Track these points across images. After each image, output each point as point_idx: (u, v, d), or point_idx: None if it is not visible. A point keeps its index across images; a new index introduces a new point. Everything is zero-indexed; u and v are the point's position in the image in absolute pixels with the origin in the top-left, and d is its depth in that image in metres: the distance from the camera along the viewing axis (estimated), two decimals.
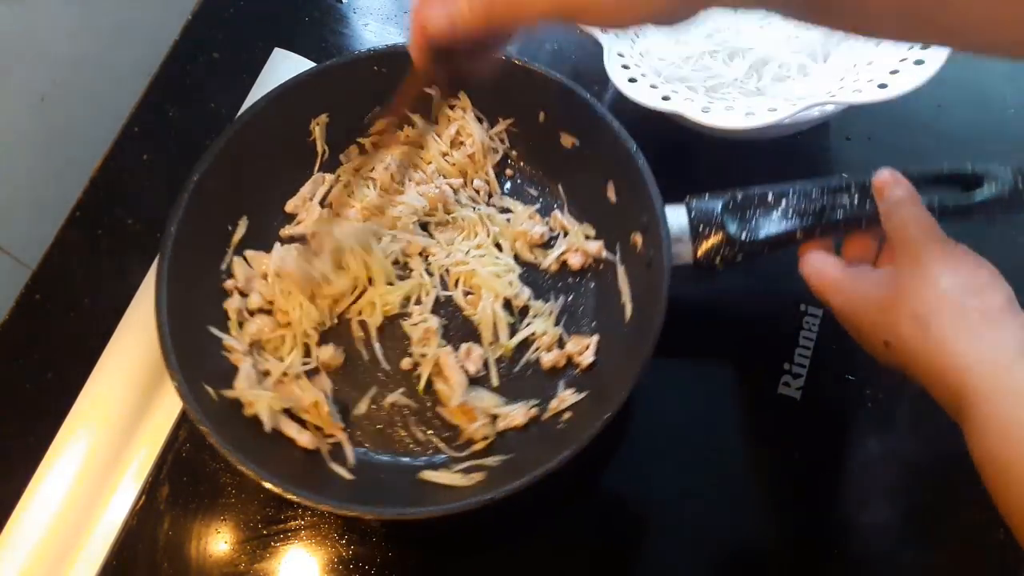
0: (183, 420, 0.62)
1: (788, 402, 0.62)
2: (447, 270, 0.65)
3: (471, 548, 0.60)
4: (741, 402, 0.63)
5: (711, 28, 0.71)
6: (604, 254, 0.64)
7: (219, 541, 0.60)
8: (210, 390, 0.57)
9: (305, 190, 0.68)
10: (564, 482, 0.51)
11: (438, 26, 0.40)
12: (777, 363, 0.63)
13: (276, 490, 0.51)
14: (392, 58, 0.65)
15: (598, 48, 0.64)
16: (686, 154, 0.68)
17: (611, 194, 0.63)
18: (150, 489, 0.61)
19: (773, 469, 0.61)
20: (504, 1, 0.39)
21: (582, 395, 0.59)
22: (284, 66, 0.75)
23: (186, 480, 0.62)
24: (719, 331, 0.65)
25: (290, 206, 0.68)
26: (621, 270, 0.62)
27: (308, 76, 0.66)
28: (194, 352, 0.58)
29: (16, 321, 0.68)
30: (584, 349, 0.61)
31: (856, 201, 0.56)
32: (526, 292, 0.64)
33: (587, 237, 0.65)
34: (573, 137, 0.65)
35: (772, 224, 0.58)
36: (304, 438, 0.58)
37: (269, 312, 0.64)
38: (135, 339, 0.64)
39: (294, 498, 0.52)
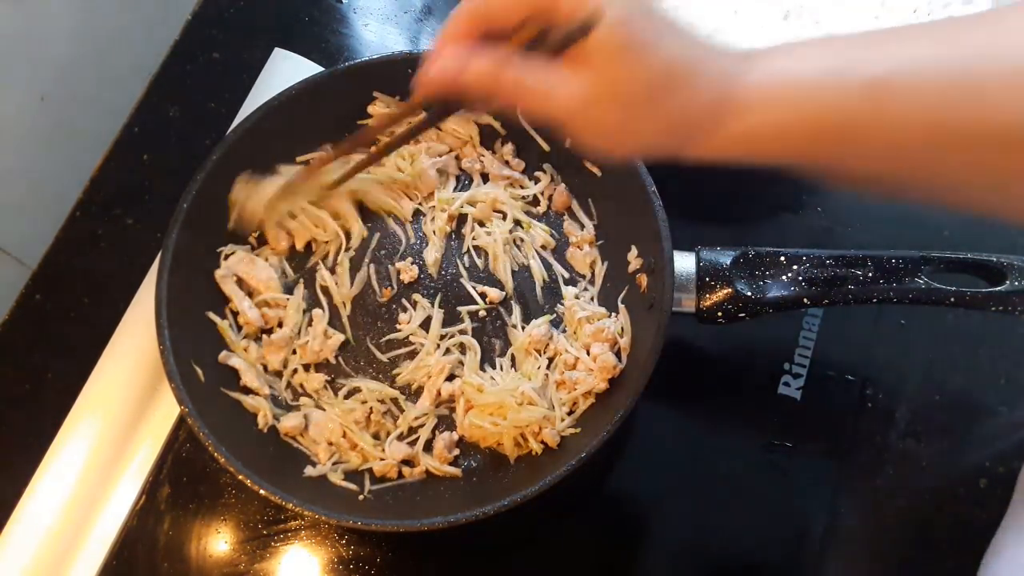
0: (183, 420, 0.62)
1: (788, 402, 0.62)
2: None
3: (471, 549, 0.60)
4: (741, 402, 0.63)
5: (711, 28, 0.71)
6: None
7: (219, 541, 0.60)
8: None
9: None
10: (565, 486, 0.51)
11: (462, 83, 0.41)
12: (777, 363, 0.63)
13: (274, 498, 0.52)
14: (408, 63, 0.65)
15: None
16: None
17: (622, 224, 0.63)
18: (150, 489, 0.61)
19: (773, 469, 0.61)
20: (524, 101, 0.40)
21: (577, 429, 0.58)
22: (284, 66, 0.74)
23: (186, 480, 0.62)
24: (719, 331, 0.65)
25: None
26: (623, 308, 0.61)
27: (311, 81, 0.65)
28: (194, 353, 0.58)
29: (16, 321, 0.68)
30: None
31: (870, 277, 0.56)
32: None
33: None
34: (596, 167, 0.65)
35: (780, 287, 0.57)
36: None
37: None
38: (135, 339, 0.64)
39: (288, 505, 0.52)
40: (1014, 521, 0.55)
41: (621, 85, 0.39)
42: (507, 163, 0.69)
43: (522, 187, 0.68)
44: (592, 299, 0.64)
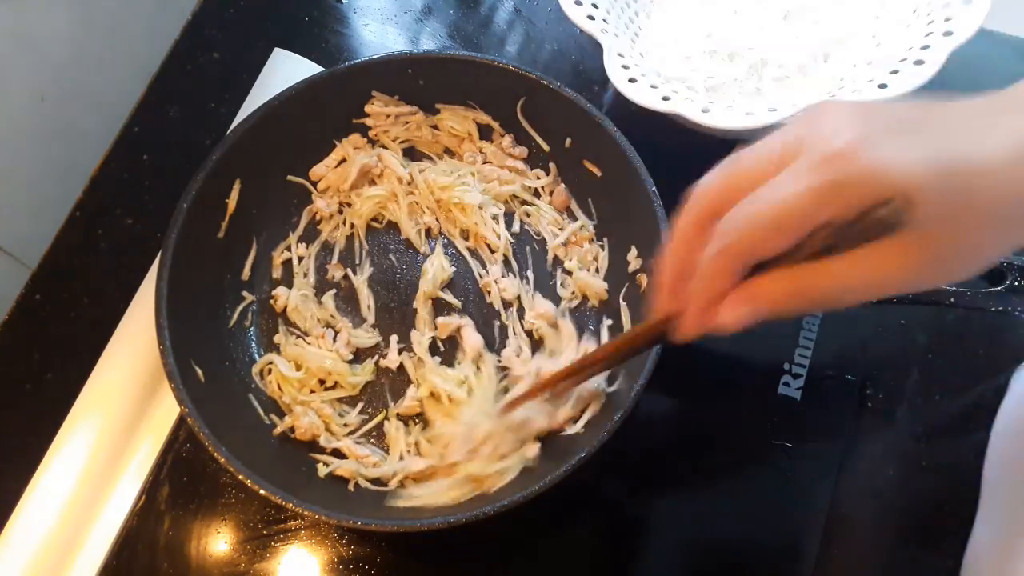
0: (183, 420, 0.62)
1: (788, 402, 0.62)
2: None
3: (471, 549, 0.60)
4: (741, 402, 0.63)
5: (711, 28, 0.71)
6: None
7: (219, 541, 0.60)
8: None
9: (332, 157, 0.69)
10: (565, 486, 0.51)
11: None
12: (777, 363, 0.63)
13: (274, 498, 0.52)
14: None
15: (598, 48, 0.64)
16: (686, 154, 0.68)
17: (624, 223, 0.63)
18: (150, 489, 0.61)
19: (773, 469, 0.61)
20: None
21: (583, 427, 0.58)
22: (284, 66, 0.74)
23: (186, 480, 0.62)
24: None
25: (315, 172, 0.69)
26: (623, 306, 0.62)
27: (311, 81, 0.65)
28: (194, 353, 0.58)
29: (16, 321, 0.68)
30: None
31: None
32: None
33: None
34: (596, 167, 0.65)
35: None
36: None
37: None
38: (135, 339, 0.64)
39: (288, 504, 0.52)
40: (989, 517, 0.55)
41: (949, 250, 0.35)
42: (510, 155, 0.69)
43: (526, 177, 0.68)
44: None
